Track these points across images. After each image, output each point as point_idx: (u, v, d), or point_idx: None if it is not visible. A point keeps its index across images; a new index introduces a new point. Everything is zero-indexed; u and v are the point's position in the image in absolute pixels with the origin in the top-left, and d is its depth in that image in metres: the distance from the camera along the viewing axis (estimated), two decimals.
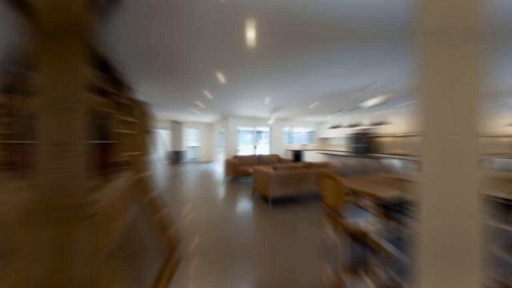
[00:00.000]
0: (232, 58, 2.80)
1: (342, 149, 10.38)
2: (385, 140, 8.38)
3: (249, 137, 11.80)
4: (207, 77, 3.63)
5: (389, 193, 2.23)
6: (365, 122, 8.77)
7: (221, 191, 5.47)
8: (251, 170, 5.94)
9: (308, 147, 11.32)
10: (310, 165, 4.80)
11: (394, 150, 8.06)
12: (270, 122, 8.06)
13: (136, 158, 2.74)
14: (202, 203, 4.37)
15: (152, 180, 5.99)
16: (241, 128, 9.82)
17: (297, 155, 10.13)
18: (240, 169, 6.57)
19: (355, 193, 2.55)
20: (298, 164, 4.73)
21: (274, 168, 4.44)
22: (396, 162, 5.92)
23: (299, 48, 2.49)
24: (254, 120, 9.70)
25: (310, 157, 10.35)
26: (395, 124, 7.73)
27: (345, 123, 9.70)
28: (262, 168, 4.76)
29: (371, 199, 2.52)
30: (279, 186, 4.26)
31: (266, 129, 10.43)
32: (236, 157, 7.28)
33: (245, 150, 10.97)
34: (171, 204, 4.27)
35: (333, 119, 10.21)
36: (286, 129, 10.87)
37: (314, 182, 4.67)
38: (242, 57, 2.76)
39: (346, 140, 10.21)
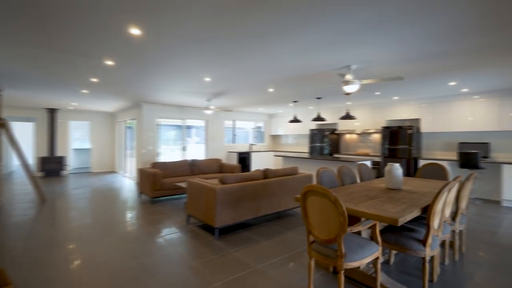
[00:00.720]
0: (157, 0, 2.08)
1: (300, 149, 10.71)
2: (350, 138, 9.03)
3: (173, 134, 10.74)
4: (109, 33, 2.72)
5: (405, 213, 2.03)
6: (327, 116, 9.23)
7: (132, 219, 4.47)
8: (183, 184, 5.17)
9: (257, 148, 11.20)
10: (271, 174, 4.45)
11: (359, 149, 8.76)
12: (208, 112, 7.38)
13: None
14: (99, 241, 3.36)
15: None
16: (162, 122, 8.73)
17: (245, 158, 9.82)
18: (163, 183, 5.66)
19: (352, 215, 2.28)
20: (256, 173, 4.30)
21: (222, 181, 3.86)
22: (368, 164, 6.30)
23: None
24: (182, 109, 8.79)
25: (260, 160, 10.21)
26: (359, 119, 8.40)
27: (305, 116, 10.00)
28: (202, 180, 4.11)
29: (375, 222, 2.29)
30: (230, 207, 3.71)
31: (200, 122, 9.66)
32: (156, 164, 6.29)
33: (168, 153, 9.90)
34: (42, 250, 3.09)
35: (289, 111, 10.38)
36: (228, 123, 10.39)
37: (279, 199, 4.34)
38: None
39: (305, 138, 10.57)
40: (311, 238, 2.29)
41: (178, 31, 2.76)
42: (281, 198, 4.39)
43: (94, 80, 4.93)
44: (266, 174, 4.43)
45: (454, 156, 6.64)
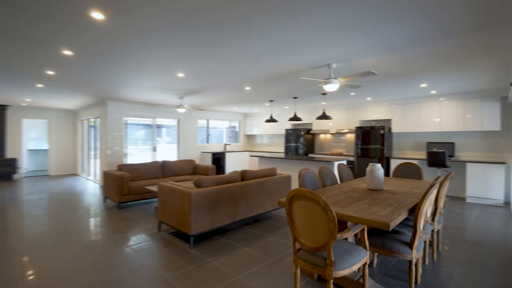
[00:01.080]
0: None
1: (275, 148, 10.65)
2: (325, 137, 9.12)
3: (142, 133, 10.15)
4: (66, 16, 2.36)
5: (394, 216, 1.95)
6: (302, 115, 9.24)
7: (96, 227, 4.05)
8: (153, 187, 4.81)
9: (232, 148, 10.96)
10: (248, 176, 4.27)
11: (333, 149, 8.87)
12: (181, 111, 7.02)
13: None
14: (57, 253, 2.96)
15: None
16: (130, 120, 8.19)
17: (219, 159, 9.55)
18: (131, 187, 5.25)
19: (339, 220, 2.17)
20: (233, 174, 4.09)
21: (197, 184, 3.60)
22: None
23: None
24: (152, 107, 8.30)
25: (235, 161, 9.99)
26: (333, 120, 8.51)
27: (280, 116, 9.94)
28: (175, 184, 3.81)
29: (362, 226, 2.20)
30: (206, 212, 3.47)
31: (171, 122, 9.22)
32: (123, 166, 5.83)
33: (137, 154, 9.33)
34: None
35: (265, 111, 10.26)
36: (201, 122, 10.04)
37: (257, 201, 4.16)
38: None
39: (281, 138, 10.53)
40: (297, 245, 2.15)
41: (148, 19, 2.47)
42: (260, 201, 4.23)
43: (50, 72, 4.41)
44: (243, 176, 4.24)
45: (423, 155, 6.93)
